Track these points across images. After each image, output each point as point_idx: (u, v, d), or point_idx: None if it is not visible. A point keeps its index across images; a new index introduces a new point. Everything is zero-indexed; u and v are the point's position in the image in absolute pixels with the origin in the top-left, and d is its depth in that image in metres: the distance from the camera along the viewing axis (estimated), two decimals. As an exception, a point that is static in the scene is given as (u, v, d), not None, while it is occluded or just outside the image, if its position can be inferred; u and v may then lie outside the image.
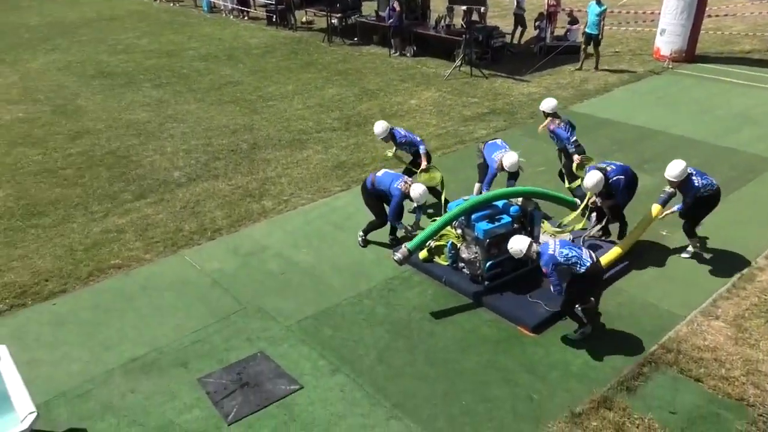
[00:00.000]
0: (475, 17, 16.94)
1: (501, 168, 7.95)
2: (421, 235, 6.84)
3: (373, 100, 13.93)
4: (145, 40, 20.16)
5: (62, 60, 17.69)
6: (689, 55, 15.93)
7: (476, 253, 6.95)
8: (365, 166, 10.34)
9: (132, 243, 8.26)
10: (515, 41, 18.37)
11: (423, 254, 7.50)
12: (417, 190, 7.39)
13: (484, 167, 8.39)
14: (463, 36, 15.85)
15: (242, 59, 17.68)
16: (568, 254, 5.86)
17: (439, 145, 11.26)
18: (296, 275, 7.52)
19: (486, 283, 6.95)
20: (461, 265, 7.21)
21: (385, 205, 7.79)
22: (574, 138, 8.55)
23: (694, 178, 7.08)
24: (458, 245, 7.19)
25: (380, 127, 8.54)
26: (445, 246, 7.35)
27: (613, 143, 11.08)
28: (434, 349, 6.27)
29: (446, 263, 7.34)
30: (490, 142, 8.55)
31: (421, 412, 5.49)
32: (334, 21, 20.21)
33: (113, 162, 10.83)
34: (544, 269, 5.96)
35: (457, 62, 15.68)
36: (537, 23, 17.50)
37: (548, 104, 8.92)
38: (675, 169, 7.02)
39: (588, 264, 5.85)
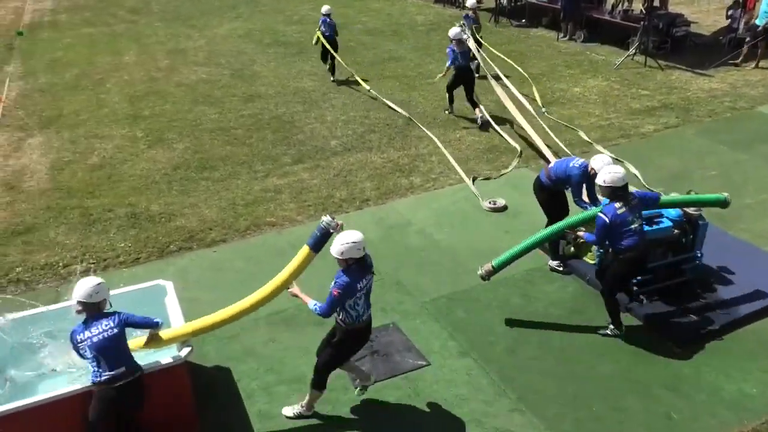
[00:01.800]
0: (656, 2, 15.65)
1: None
2: (513, 250, 6.31)
3: (534, 85, 13.46)
4: (319, 13, 21.05)
5: (244, 27, 19.06)
6: None
7: (627, 255, 6.52)
8: (517, 153, 10.07)
9: (287, 204, 8.79)
10: None
11: (569, 250, 7.20)
12: (599, 163, 6.29)
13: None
14: (642, 23, 14.73)
15: (407, 35, 17.89)
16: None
17: (599, 137, 10.66)
18: (435, 254, 7.57)
19: (634, 288, 6.51)
20: (609, 266, 6.81)
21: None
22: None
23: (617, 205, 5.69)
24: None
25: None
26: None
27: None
28: (568, 348, 6.03)
29: (593, 262, 6.98)
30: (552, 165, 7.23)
31: (546, 410, 5.33)
32: (503, 1, 19.73)
33: (278, 126, 11.54)
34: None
35: (631, 50, 14.62)
36: (729, 11, 15.80)
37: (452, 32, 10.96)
38: (599, 163, 6.22)
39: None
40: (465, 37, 11.28)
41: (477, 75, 12.16)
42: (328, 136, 11.02)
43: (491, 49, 13.84)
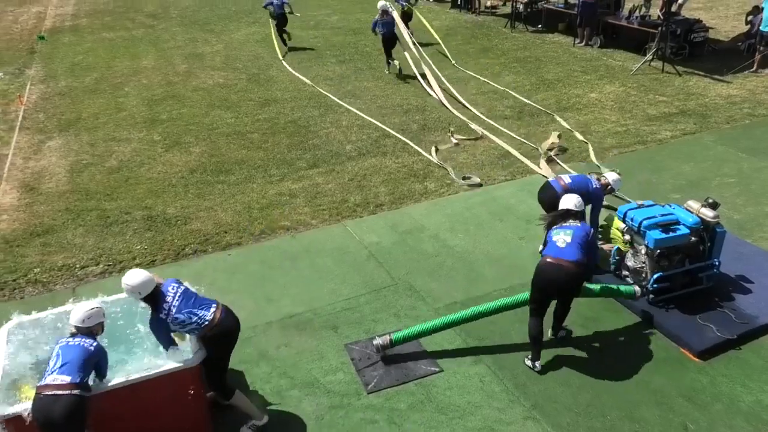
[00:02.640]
0: (673, 8, 15.52)
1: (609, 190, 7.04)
2: (414, 329, 5.96)
3: (549, 90, 13.42)
4: (335, 18, 21.19)
5: (261, 32, 19.19)
6: None
7: (644, 263, 6.47)
8: (533, 159, 10.03)
9: (301, 208, 8.83)
10: None
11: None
12: (612, 176, 6.70)
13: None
14: (659, 28, 14.62)
15: (423, 40, 17.87)
16: None
17: (615, 143, 10.59)
18: (450, 259, 7.55)
19: (651, 297, 6.45)
20: (625, 273, 6.76)
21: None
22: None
23: None
24: (624, 251, 6.74)
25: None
26: (610, 251, 6.92)
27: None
28: (582, 356, 5.98)
29: (608, 269, 6.92)
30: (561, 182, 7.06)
31: (560, 419, 5.29)
32: (519, 6, 19.70)
33: (294, 131, 11.59)
34: None
35: (648, 56, 14.52)
36: (749, 17, 15.63)
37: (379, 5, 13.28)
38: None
39: None
40: (390, 10, 14.64)
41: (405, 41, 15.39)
42: (344, 141, 11.05)
43: (424, 21, 17.33)
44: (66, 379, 4.35)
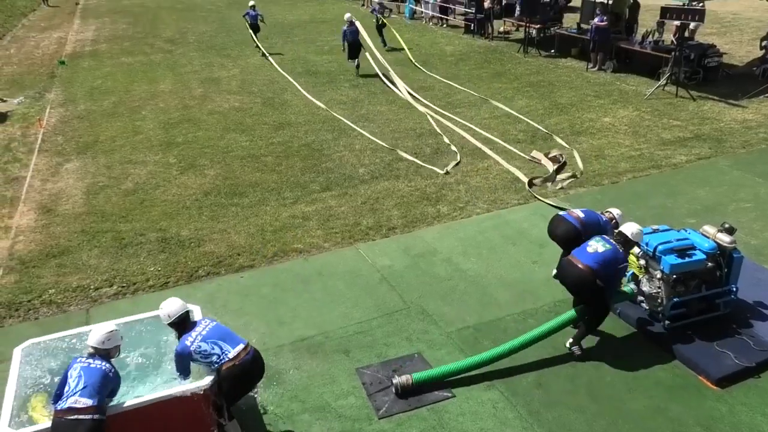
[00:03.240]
0: (687, 33, 15.57)
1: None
2: (439, 370, 5.87)
3: (563, 114, 13.44)
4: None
5: (276, 57, 19.46)
6: None
7: (659, 288, 6.39)
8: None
9: (314, 231, 8.85)
10: None
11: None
12: (632, 227, 6.12)
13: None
14: (673, 53, 14.65)
15: (436, 65, 18.05)
16: None
17: (629, 167, 10.55)
18: (462, 283, 7.51)
19: (667, 322, 6.36)
20: (640, 298, 6.67)
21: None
22: None
23: None
24: (639, 276, 6.66)
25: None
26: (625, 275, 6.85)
27: None
28: (598, 383, 5.88)
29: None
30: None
31: (575, 447, 5.19)
32: (532, 32, 19.84)
33: (307, 154, 11.68)
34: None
35: (662, 81, 14.53)
36: (764, 43, 15.63)
37: (346, 16, 14.77)
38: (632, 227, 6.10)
39: None
40: (355, 20, 17.54)
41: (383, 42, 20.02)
42: (357, 164, 11.10)
43: (393, 30, 19.87)
44: (88, 402, 4.39)
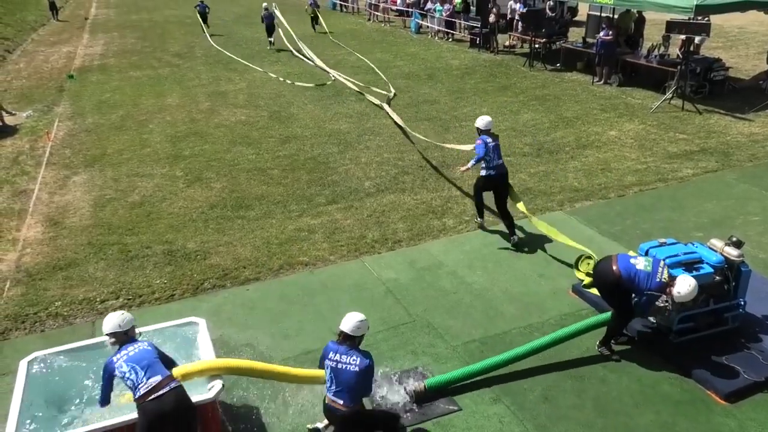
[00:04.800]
0: (692, 47, 15.60)
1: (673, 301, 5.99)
2: (452, 374, 5.94)
3: (568, 128, 13.45)
4: (353, 58, 21.57)
5: (283, 71, 19.60)
6: None
7: (667, 302, 6.34)
8: (552, 195, 10.01)
9: (320, 243, 8.85)
10: None
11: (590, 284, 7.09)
12: (685, 285, 5.75)
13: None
14: (678, 67, 14.67)
15: (441, 79, 18.14)
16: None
17: (636, 180, 10.53)
18: (468, 296, 7.49)
19: (674, 336, 6.31)
20: (647, 312, 6.63)
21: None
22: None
23: None
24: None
25: None
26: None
27: None
28: (605, 397, 5.83)
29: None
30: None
31: (582, 462, 5.14)
32: (538, 45, 19.93)
33: (313, 167, 11.71)
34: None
35: (668, 94, 14.54)
36: (770, 57, 15.65)
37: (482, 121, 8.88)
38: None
39: None
40: (271, 8, 23.41)
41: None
42: (362, 177, 11.12)
43: (323, 25, 26.04)
44: (158, 379, 4.55)
